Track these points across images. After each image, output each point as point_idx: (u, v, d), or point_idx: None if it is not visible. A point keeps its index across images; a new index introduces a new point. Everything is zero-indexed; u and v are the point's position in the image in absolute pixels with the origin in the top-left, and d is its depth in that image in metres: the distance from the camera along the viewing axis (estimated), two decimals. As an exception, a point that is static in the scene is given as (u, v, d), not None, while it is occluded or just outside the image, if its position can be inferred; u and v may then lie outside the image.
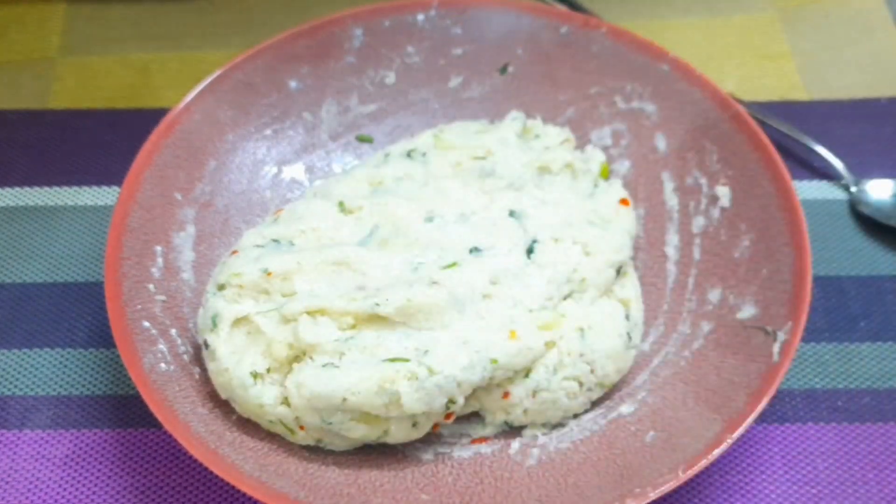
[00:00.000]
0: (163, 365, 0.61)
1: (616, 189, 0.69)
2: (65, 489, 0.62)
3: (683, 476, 0.55)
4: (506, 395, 0.61)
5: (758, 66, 0.83)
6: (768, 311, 0.61)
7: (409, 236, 0.64)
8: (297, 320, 0.60)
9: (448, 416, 0.60)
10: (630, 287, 0.66)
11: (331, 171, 0.74)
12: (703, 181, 0.69)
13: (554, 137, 0.71)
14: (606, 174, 0.71)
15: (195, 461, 0.63)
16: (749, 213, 0.66)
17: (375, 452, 0.61)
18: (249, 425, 0.61)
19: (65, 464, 0.63)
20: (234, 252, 0.65)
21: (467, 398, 0.59)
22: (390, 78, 0.75)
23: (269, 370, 0.60)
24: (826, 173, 0.77)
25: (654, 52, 0.72)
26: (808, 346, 0.68)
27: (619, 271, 0.65)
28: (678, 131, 0.70)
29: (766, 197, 0.65)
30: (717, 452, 0.56)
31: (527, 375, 0.61)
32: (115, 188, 0.77)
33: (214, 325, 0.61)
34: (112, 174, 0.77)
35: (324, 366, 0.58)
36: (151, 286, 0.64)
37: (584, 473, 0.59)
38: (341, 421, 0.58)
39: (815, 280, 0.61)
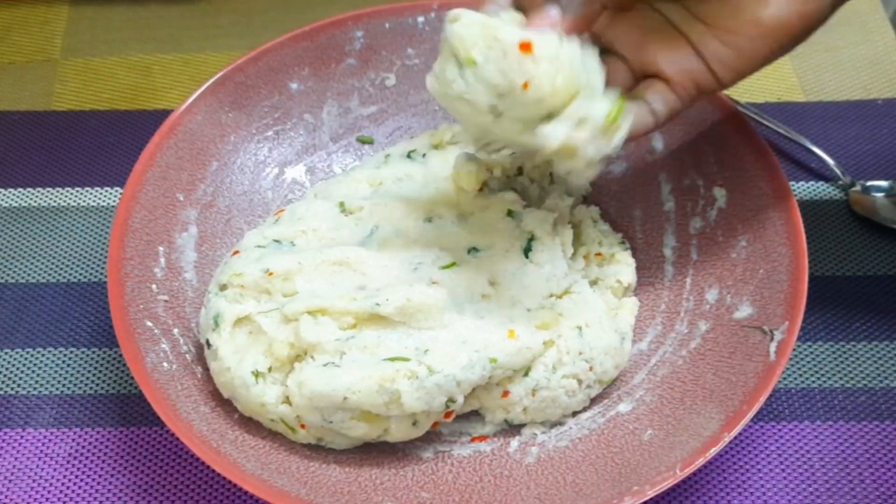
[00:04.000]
0: (165, 364, 0.61)
1: None
2: (68, 487, 0.63)
3: (681, 474, 0.56)
4: (505, 393, 0.61)
5: (755, 68, 0.84)
6: (765, 310, 0.62)
7: (408, 237, 0.64)
8: (298, 320, 0.60)
9: (448, 414, 0.60)
10: (625, 274, 0.67)
11: (332, 172, 0.74)
12: (700, 182, 0.69)
13: None
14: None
15: (197, 459, 0.64)
16: (746, 214, 0.66)
17: (376, 451, 0.62)
18: (251, 424, 0.61)
19: (68, 462, 0.64)
20: (236, 252, 0.65)
21: (467, 397, 0.60)
22: (391, 80, 0.75)
23: (270, 369, 0.60)
24: (823, 174, 0.77)
25: (652, 54, 0.72)
26: (804, 346, 0.68)
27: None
28: (675, 132, 0.71)
29: (763, 198, 0.65)
30: (714, 451, 0.56)
31: (526, 374, 0.61)
32: (118, 189, 0.77)
33: (216, 324, 0.61)
34: (115, 175, 0.78)
35: (325, 365, 0.59)
36: (154, 286, 0.64)
37: (583, 471, 0.59)
38: (342, 419, 0.59)
39: (812, 280, 0.62)
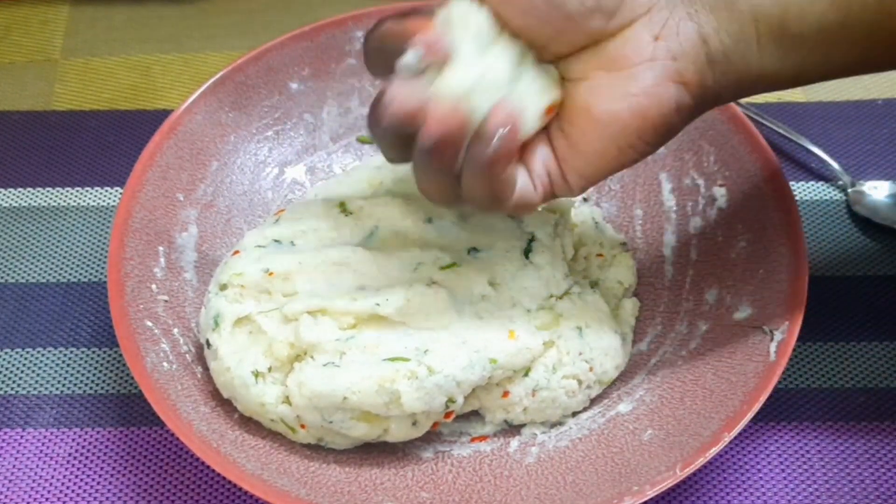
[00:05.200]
0: (165, 364, 0.61)
1: None
2: (68, 486, 0.63)
3: (681, 474, 0.56)
4: (505, 394, 0.61)
5: (755, 68, 0.84)
6: (765, 310, 0.62)
7: (408, 237, 0.64)
8: (298, 320, 0.60)
9: (448, 414, 0.60)
10: (626, 276, 0.67)
11: (332, 172, 0.74)
12: (701, 182, 0.69)
13: None
14: None
15: (197, 459, 0.64)
16: (746, 214, 0.66)
17: (376, 451, 0.62)
18: (251, 424, 0.61)
19: (68, 461, 0.64)
20: (236, 252, 0.65)
21: (467, 397, 0.60)
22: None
23: (270, 369, 0.60)
24: (823, 174, 0.77)
25: (652, 54, 0.72)
26: (804, 346, 0.68)
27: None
28: (676, 132, 0.70)
29: (763, 198, 0.65)
30: (714, 451, 0.56)
31: (526, 374, 0.61)
32: (118, 189, 0.77)
33: (216, 324, 0.61)
34: (115, 175, 0.78)
35: (325, 365, 0.59)
36: (154, 286, 0.64)
37: (583, 471, 0.59)
38: (342, 419, 0.59)
39: (812, 280, 0.62)
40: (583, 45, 0.51)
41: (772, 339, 0.60)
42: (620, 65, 0.50)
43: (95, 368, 0.68)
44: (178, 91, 0.83)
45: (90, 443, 0.65)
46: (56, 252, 0.74)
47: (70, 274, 0.73)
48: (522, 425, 0.63)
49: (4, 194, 0.77)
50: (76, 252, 0.74)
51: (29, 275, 0.73)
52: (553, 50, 0.51)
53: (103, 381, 0.67)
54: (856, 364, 0.67)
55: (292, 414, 0.59)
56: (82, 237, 0.74)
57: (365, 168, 0.70)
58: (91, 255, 0.74)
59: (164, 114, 0.72)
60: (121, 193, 0.76)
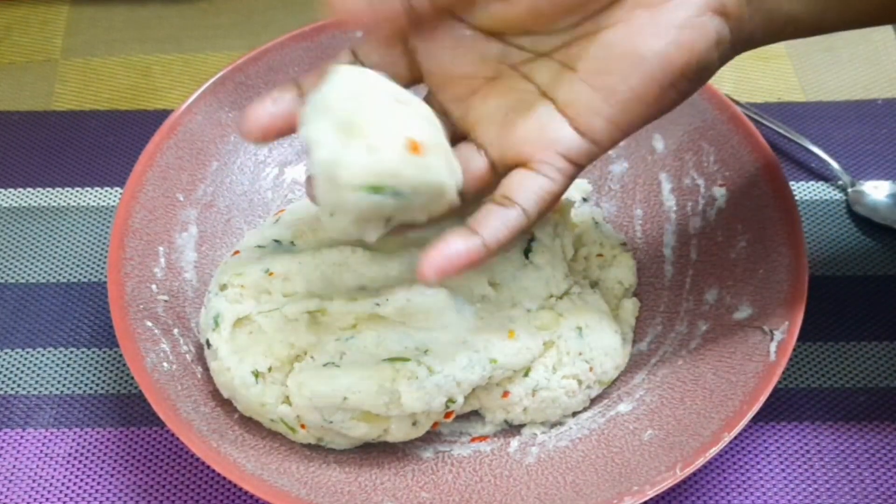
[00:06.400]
0: (165, 364, 0.61)
1: None
2: (68, 486, 0.63)
3: (681, 474, 0.56)
4: (505, 394, 0.61)
5: (755, 68, 0.84)
6: (765, 310, 0.62)
7: (408, 237, 0.64)
8: (298, 320, 0.60)
9: (448, 414, 0.60)
10: (626, 276, 0.67)
11: (332, 172, 0.74)
12: (701, 182, 0.69)
13: None
14: None
15: (197, 459, 0.64)
16: (746, 214, 0.66)
17: (376, 451, 0.62)
18: (251, 424, 0.61)
19: (68, 461, 0.64)
20: (236, 252, 0.65)
21: (467, 397, 0.60)
22: (391, 80, 0.75)
23: (270, 369, 0.60)
24: (823, 174, 0.77)
25: (652, 54, 0.72)
26: (804, 346, 0.68)
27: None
28: (676, 132, 0.71)
29: (763, 198, 0.65)
30: (714, 451, 0.56)
31: (526, 374, 0.61)
32: (118, 189, 0.77)
33: (216, 324, 0.61)
34: (115, 175, 0.78)
35: (325, 365, 0.59)
36: (154, 286, 0.64)
37: (583, 471, 0.59)
38: (342, 420, 0.59)
39: (812, 280, 0.62)
40: None
41: (772, 339, 0.60)
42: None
43: (95, 368, 0.68)
44: (178, 91, 0.83)
45: (90, 443, 0.65)
46: (56, 252, 0.74)
47: (70, 274, 0.73)
48: (522, 425, 0.63)
49: (4, 194, 0.77)
50: (76, 252, 0.74)
51: (29, 275, 0.73)
52: None
53: (103, 381, 0.67)
54: (856, 364, 0.67)
55: (292, 414, 0.59)
56: (82, 237, 0.74)
57: (365, 168, 0.70)
58: (91, 255, 0.74)
59: (164, 114, 0.72)
60: (121, 193, 0.76)
